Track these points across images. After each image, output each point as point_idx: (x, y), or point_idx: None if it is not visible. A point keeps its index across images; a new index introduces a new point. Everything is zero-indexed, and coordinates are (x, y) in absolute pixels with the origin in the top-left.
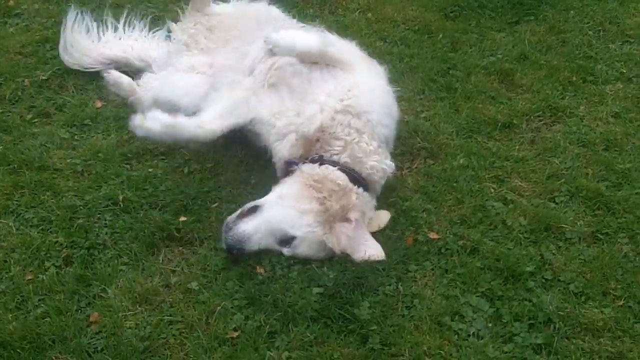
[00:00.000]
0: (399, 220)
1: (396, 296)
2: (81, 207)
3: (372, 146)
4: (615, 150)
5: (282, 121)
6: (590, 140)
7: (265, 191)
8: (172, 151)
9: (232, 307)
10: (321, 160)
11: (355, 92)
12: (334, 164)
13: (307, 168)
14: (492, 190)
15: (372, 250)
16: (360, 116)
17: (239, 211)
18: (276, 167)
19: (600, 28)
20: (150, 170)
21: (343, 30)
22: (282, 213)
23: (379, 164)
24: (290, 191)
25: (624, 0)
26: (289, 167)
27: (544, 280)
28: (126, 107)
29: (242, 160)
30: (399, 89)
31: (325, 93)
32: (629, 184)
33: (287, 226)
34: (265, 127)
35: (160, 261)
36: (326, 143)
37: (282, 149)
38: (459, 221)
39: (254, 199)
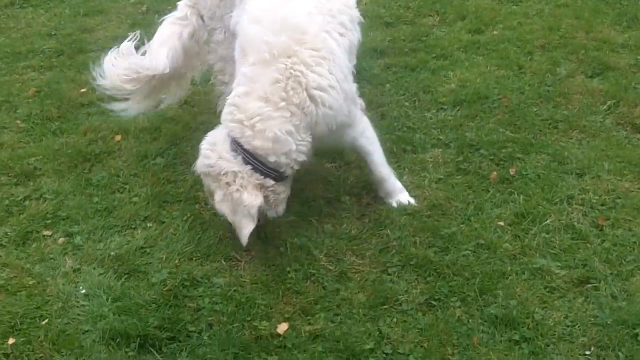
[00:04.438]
0: (239, 314)
1: None
2: None
3: None
4: (442, 215)
5: None
6: (415, 209)
7: None
8: None
9: None
10: None
11: None
12: None
13: None
14: (330, 269)
15: None
16: None
17: None
18: None
19: (415, 98)
20: None
21: None
22: None
23: None
24: None
25: (435, 69)
26: None
27: (384, 355)
28: None
29: (66, 272)
30: None
31: None
32: (455, 247)
33: None
34: None
35: None
36: None
37: None
38: (300, 310)
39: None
